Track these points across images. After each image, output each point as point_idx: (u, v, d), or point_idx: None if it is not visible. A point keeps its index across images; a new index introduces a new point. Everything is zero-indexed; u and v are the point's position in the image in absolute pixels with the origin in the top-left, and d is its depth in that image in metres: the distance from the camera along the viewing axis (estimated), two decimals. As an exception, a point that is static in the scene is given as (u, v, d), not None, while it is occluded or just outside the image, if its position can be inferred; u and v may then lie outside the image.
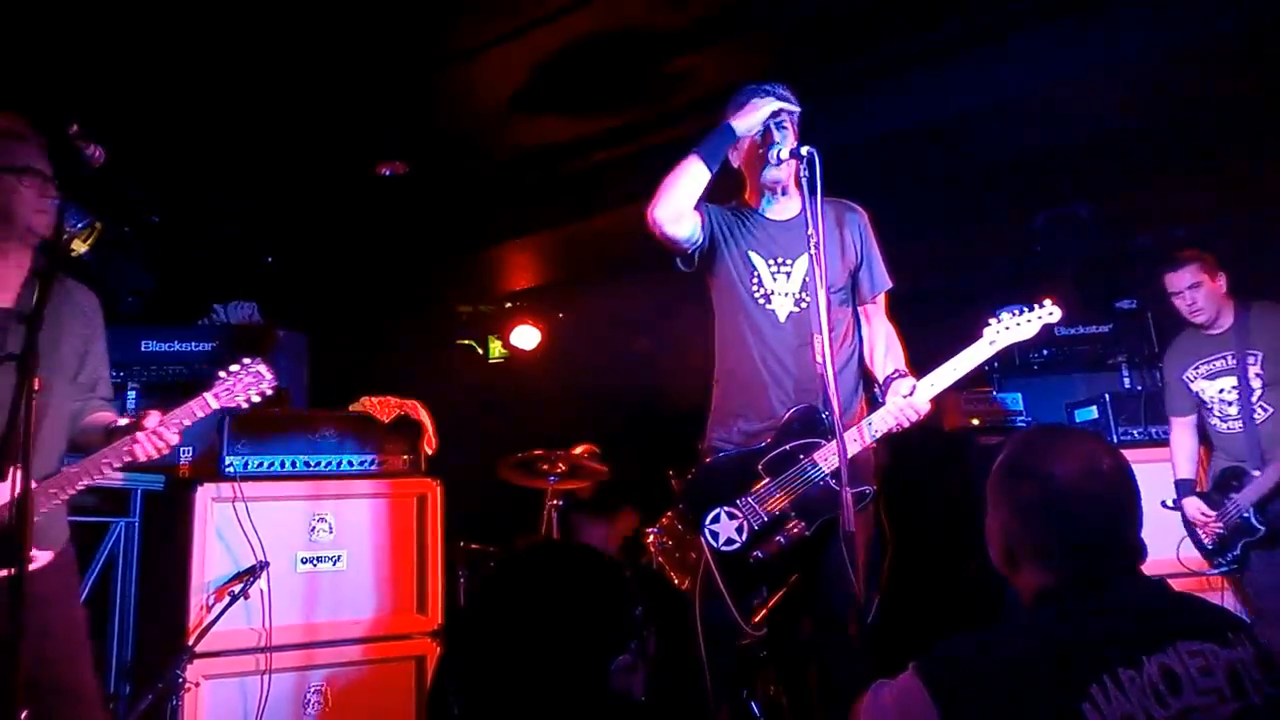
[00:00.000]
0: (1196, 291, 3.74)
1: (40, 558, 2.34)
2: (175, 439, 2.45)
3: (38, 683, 2.19)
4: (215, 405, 2.56)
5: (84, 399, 2.61)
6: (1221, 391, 3.76)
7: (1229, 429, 3.76)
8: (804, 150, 2.58)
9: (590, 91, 4.13)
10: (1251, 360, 3.69)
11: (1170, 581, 1.52)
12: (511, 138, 4.58)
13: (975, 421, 4.50)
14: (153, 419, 2.42)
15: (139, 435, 2.40)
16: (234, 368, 2.61)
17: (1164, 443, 4.10)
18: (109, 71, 3.78)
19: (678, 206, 2.74)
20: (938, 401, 2.80)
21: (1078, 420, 4.48)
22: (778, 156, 2.74)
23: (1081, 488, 1.45)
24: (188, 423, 2.51)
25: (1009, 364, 4.65)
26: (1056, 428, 1.60)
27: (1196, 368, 3.84)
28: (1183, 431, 3.94)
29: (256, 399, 2.62)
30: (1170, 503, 3.87)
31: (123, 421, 2.49)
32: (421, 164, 4.45)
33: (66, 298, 2.56)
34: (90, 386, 2.64)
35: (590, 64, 3.95)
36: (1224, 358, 3.75)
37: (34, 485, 2.23)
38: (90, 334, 2.61)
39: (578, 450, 5.05)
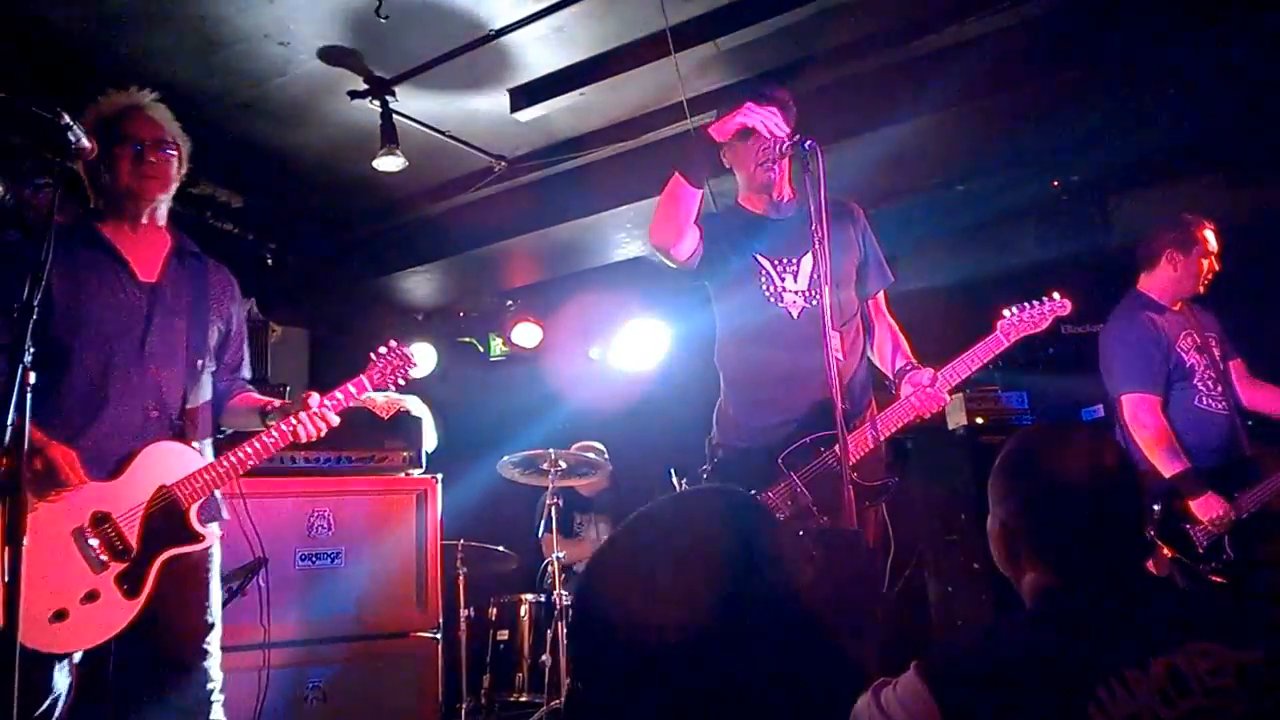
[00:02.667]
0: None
1: (209, 536, 2.40)
2: (336, 420, 2.48)
3: (157, 652, 2.30)
4: (370, 387, 2.58)
5: (230, 380, 2.62)
6: (1205, 368, 3.46)
7: (1214, 409, 3.41)
8: (807, 144, 2.56)
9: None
10: (1213, 341, 3.52)
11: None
12: (514, 134, 4.58)
13: (979, 420, 4.46)
14: (315, 400, 2.45)
15: (303, 416, 2.42)
16: (383, 350, 2.63)
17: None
18: (103, 61, 3.77)
19: (675, 228, 2.71)
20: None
21: (1084, 419, 4.43)
22: (764, 157, 2.75)
23: (1084, 485, 1.43)
24: (345, 403, 2.53)
25: (1014, 362, 4.61)
26: (1059, 425, 1.58)
27: (1188, 337, 3.47)
28: (1161, 413, 3.38)
29: (403, 382, 2.64)
30: None
31: (277, 403, 2.52)
32: (416, 162, 4.44)
33: (207, 277, 2.56)
34: (234, 368, 2.65)
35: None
36: (1193, 334, 3.50)
37: (208, 464, 2.37)
38: (232, 314, 2.62)
39: (579, 447, 5.03)
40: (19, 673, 1.91)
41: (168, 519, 2.29)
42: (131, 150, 2.41)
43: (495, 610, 4.70)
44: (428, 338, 6.19)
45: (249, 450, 2.41)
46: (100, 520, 2.22)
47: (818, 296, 2.70)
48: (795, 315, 2.77)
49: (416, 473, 3.89)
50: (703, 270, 2.85)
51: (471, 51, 3.84)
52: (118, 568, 2.22)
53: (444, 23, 3.69)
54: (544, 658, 4.41)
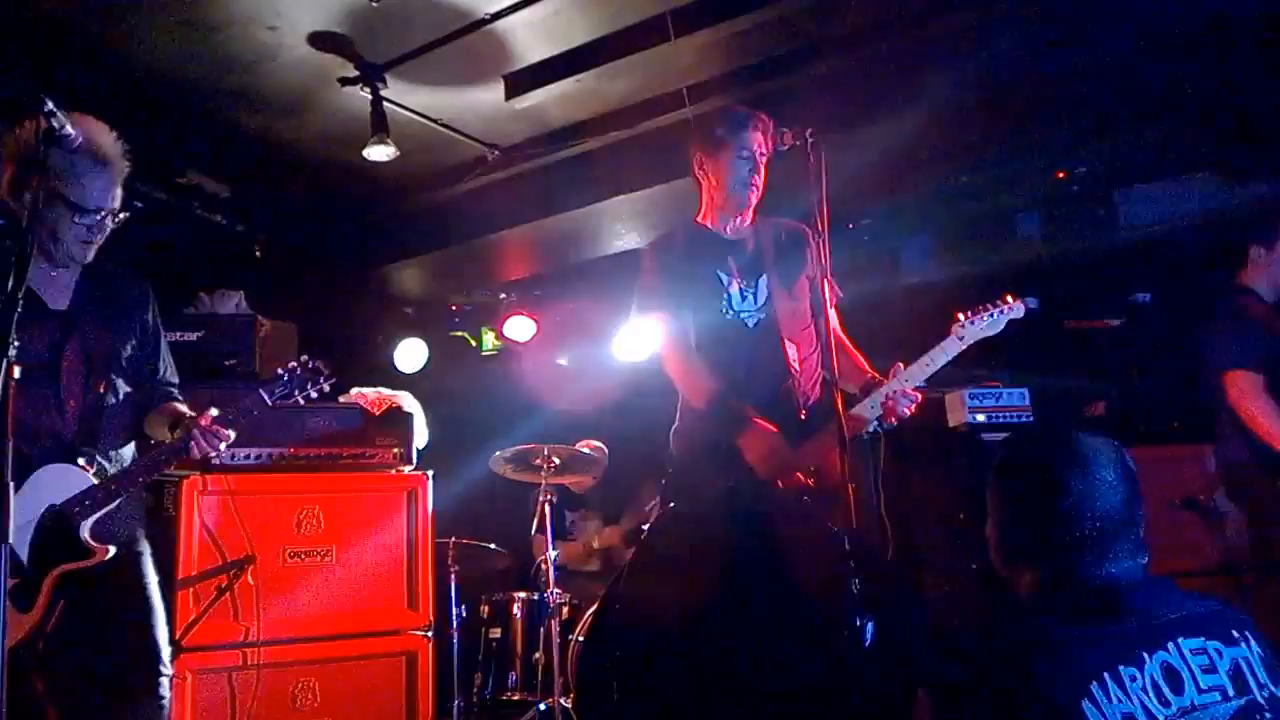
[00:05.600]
0: None
1: (100, 552, 2.36)
2: (231, 435, 2.46)
3: (104, 673, 2.32)
4: (270, 403, 2.54)
5: (149, 389, 2.59)
6: None
7: None
8: (807, 132, 2.54)
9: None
10: None
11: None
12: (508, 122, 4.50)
13: (980, 418, 4.42)
14: (208, 417, 2.43)
15: (195, 433, 2.41)
16: (292, 365, 2.60)
17: (1172, 441, 4.00)
18: (90, 50, 3.72)
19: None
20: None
21: (1085, 417, 4.40)
22: (742, 182, 2.81)
23: (1082, 487, 1.45)
24: (243, 420, 2.50)
25: (1015, 359, 4.57)
26: (1058, 427, 1.61)
27: None
28: (1265, 389, 3.33)
29: (314, 395, 2.62)
30: (1179, 503, 3.72)
31: (187, 415, 2.49)
32: (407, 151, 4.38)
33: (119, 291, 2.54)
34: (153, 374, 2.61)
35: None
36: None
37: (97, 483, 2.37)
38: (143, 323, 2.58)
39: (581, 446, 4.98)
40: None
41: (58, 537, 2.31)
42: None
43: (487, 608, 4.65)
44: (419, 331, 6.14)
45: (136, 467, 2.44)
46: None
47: (776, 309, 2.83)
48: (751, 325, 2.83)
49: (407, 469, 3.84)
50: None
51: (464, 37, 3.80)
52: (9, 583, 2.18)
53: (436, 7, 3.64)
54: (537, 656, 4.37)
